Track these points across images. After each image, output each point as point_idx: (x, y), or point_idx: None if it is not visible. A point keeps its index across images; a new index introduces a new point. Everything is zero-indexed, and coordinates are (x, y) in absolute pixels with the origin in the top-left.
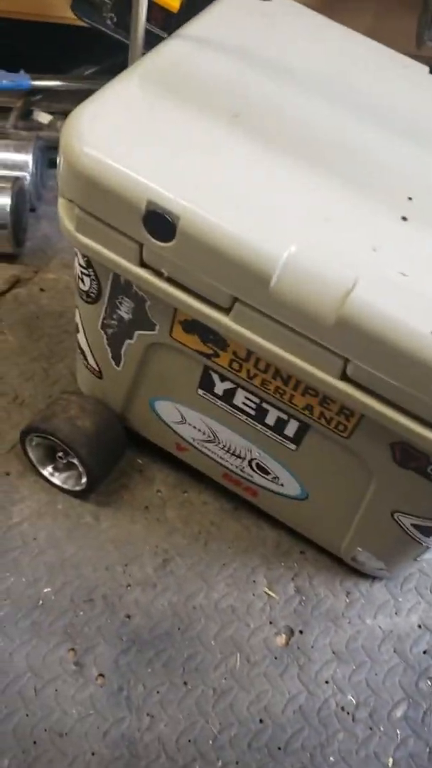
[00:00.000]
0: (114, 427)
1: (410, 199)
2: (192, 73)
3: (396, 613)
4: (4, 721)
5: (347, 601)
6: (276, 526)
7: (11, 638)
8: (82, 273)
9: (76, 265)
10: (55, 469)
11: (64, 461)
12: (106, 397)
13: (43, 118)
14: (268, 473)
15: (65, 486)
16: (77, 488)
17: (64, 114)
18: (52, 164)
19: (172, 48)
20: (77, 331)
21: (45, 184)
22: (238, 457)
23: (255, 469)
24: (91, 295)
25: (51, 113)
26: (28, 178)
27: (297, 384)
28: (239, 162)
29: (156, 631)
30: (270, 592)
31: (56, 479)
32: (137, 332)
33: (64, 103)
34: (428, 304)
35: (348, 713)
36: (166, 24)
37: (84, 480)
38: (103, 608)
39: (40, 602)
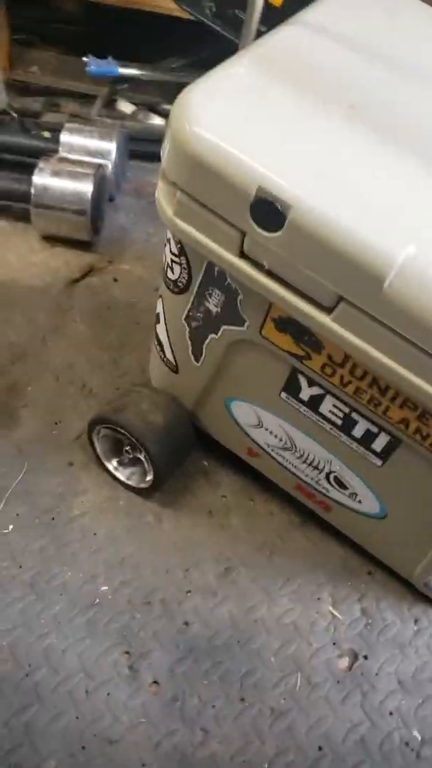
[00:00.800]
0: (184, 424)
1: None
2: (306, 60)
3: None
4: (53, 721)
5: (415, 628)
6: (344, 544)
7: (65, 635)
8: (172, 261)
9: (167, 252)
10: (120, 463)
11: (131, 456)
12: (179, 393)
13: (127, 107)
14: (346, 488)
15: (129, 482)
16: (141, 485)
17: (147, 106)
18: (133, 155)
19: (285, 35)
20: (156, 322)
21: (125, 174)
22: (315, 468)
23: (332, 482)
24: (180, 284)
25: (134, 104)
26: (110, 167)
27: (395, 396)
28: (356, 155)
29: (214, 641)
30: (335, 612)
31: (120, 474)
32: (224, 327)
33: (147, 95)
34: None
35: (412, 750)
36: (267, 18)
37: (149, 477)
38: (161, 612)
39: (97, 600)
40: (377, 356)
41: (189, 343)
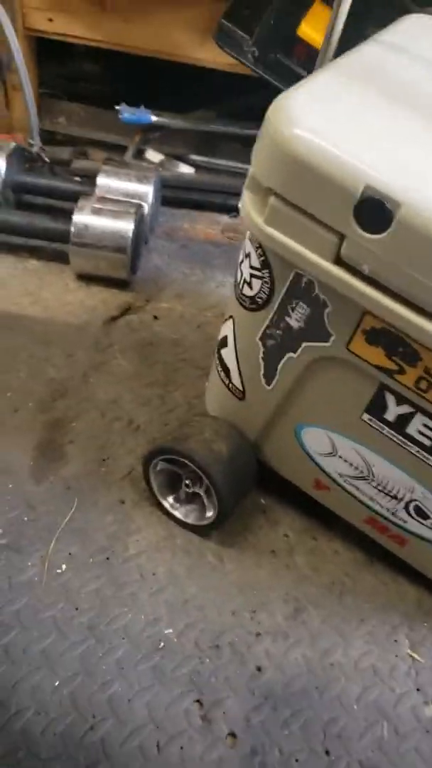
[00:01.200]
0: (248, 454)
1: None
2: (392, 73)
3: None
4: None
5: None
6: (416, 582)
7: (130, 683)
8: (252, 275)
9: (244, 269)
10: (177, 500)
11: (189, 491)
12: (243, 422)
13: (155, 157)
14: (427, 518)
15: (187, 520)
16: (200, 523)
17: (174, 156)
18: (164, 201)
19: (368, 51)
20: (222, 346)
21: (157, 218)
22: (394, 498)
23: (412, 512)
24: (258, 300)
25: (161, 154)
26: (147, 208)
27: None
28: None
29: (291, 687)
30: (414, 655)
31: (178, 512)
32: (305, 344)
33: (174, 146)
34: None
35: None
36: (307, 60)
37: (209, 514)
38: (230, 657)
39: (162, 644)
40: None
41: (262, 364)
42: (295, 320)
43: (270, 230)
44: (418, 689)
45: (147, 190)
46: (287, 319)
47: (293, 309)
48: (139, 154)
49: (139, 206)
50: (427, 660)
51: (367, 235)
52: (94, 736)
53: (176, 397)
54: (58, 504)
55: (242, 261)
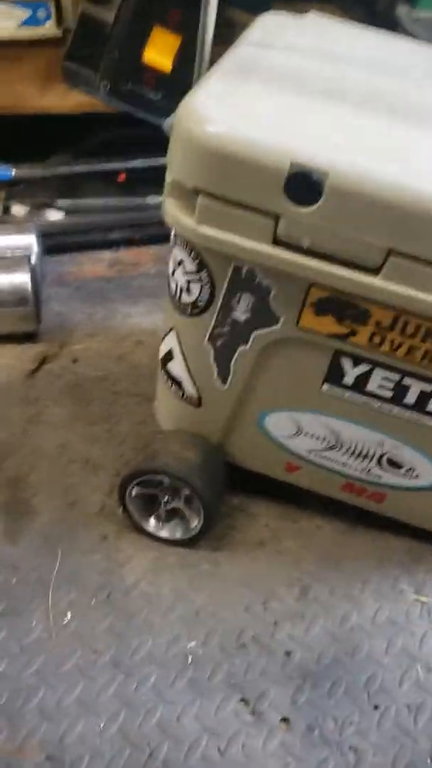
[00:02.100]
0: (216, 456)
1: None
2: (272, 63)
3: None
4: None
5: None
6: (400, 534)
7: (172, 703)
8: (189, 281)
9: (178, 277)
10: (158, 520)
11: (168, 508)
12: (203, 427)
13: (20, 210)
14: (400, 467)
15: (174, 537)
16: (187, 536)
17: (41, 205)
18: (44, 250)
19: (242, 50)
20: (167, 360)
21: (44, 267)
22: (365, 457)
23: (385, 465)
24: (200, 303)
25: (26, 206)
26: (34, 257)
27: None
28: (361, 121)
29: (323, 660)
30: (421, 598)
31: (163, 532)
32: (255, 333)
33: (38, 196)
34: None
35: None
36: (158, 85)
37: (194, 524)
38: (258, 651)
39: (189, 659)
40: None
41: (214, 365)
42: (241, 312)
43: (204, 229)
44: None
45: (30, 240)
46: (233, 313)
47: (238, 302)
48: (5, 211)
49: (27, 257)
50: None
51: (301, 209)
52: (156, 761)
53: (122, 428)
54: (42, 557)
55: (174, 271)
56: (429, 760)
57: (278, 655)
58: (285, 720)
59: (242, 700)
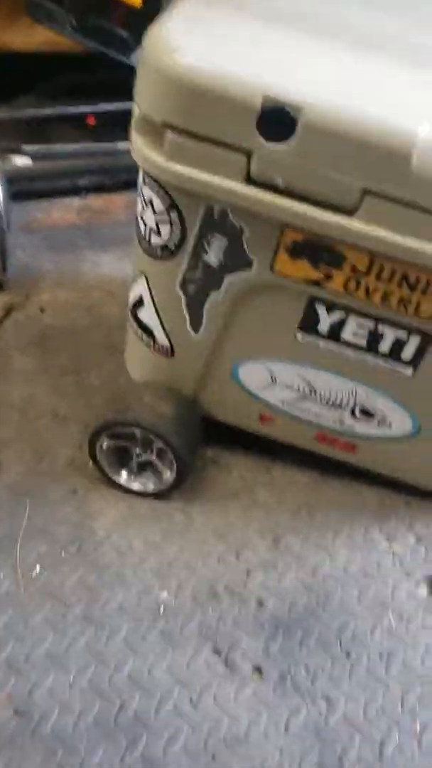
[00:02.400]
0: (190, 409)
1: None
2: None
3: None
4: (170, 742)
5: None
6: (373, 484)
7: (143, 655)
8: (158, 222)
9: (147, 218)
10: (130, 473)
11: (141, 459)
12: (176, 379)
13: None
14: (373, 416)
15: (146, 489)
16: (160, 488)
17: (8, 150)
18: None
19: None
20: (137, 308)
21: (10, 214)
22: (339, 406)
23: (358, 415)
24: (170, 246)
25: None
26: (0, 205)
27: (427, 286)
28: (334, 56)
29: (295, 610)
30: (393, 547)
31: (135, 484)
32: (228, 278)
33: (2, 141)
34: None
35: None
36: (128, 21)
37: (168, 475)
38: (230, 600)
39: (161, 610)
40: (409, 244)
41: (186, 313)
42: (213, 256)
43: (174, 166)
44: (407, 575)
45: None
46: (205, 256)
47: (209, 244)
48: None
49: None
50: (405, 548)
51: (275, 146)
52: (127, 714)
53: (92, 380)
54: (10, 511)
55: (142, 211)
56: (400, 707)
57: (250, 605)
58: (257, 670)
59: (214, 650)
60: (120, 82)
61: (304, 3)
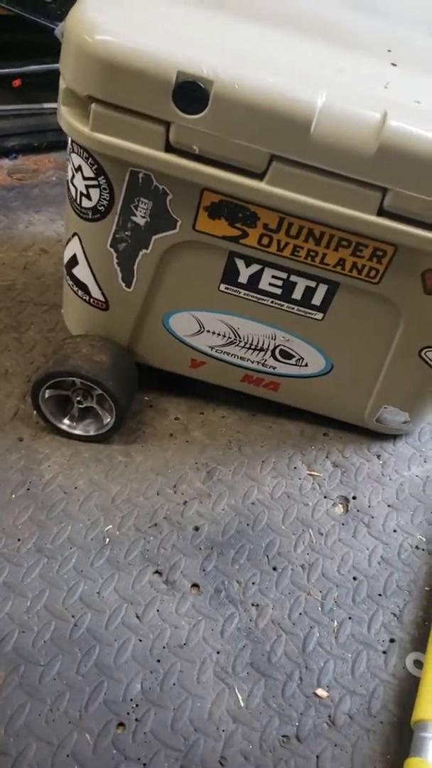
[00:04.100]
0: (126, 357)
1: (389, 51)
2: None
3: (425, 461)
4: (120, 651)
5: (381, 462)
6: (294, 419)
7: (93, 579)
8: (88, 186)
9: (77, 183)
10: (72, 420)
11: (82, 406)
12: (112, 330)
13: None
14: (291, 357)
15: (88, 434)
16: (101, 432)
17: None
18: None
19: None
20: (72, 266)
21: None
22: (261, 350)
23: (278, 356)
24: (100, 208)
25: None
26: None
27: (330, 240)
28: (246, 34)
29: (228, 532)
30: (313, 473)
31: (78, 430)
32: (155, 237)
33: None
34: None
35: (423, 549)
36: None
37: (107, 420)
38: (169, 528)
39: (107, 540)
40: (312, 202)
41: (118, 269)
42: (140, 217)
43: (99, 136)
44: (325, 497)
45: None
46: (133, 218)
47: (136, 207)
48: None
49: None
50: (323, 473)
51: (190, 117)
52: (80, 630)
53: (31, 336)
54: None
55: (72, 176)
56: (320, 608)
57: (188, 531)
58: (195, 586)
59: (156, 572)
60: (45, 43)
61: None
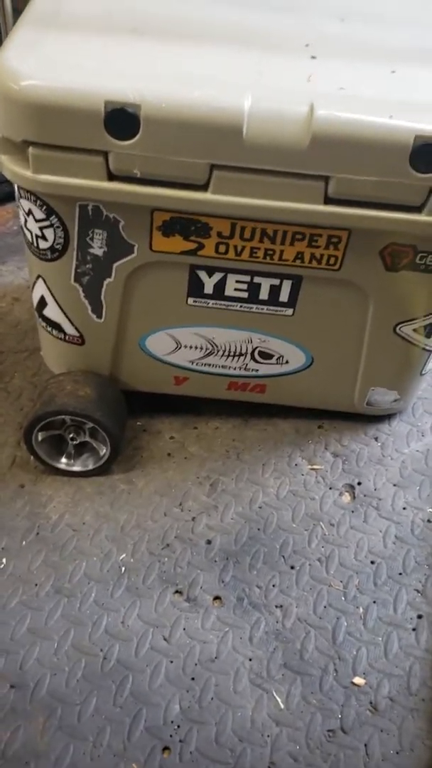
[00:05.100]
0: (111, 387)
1: (307, 45)
2: (70, 11)
3: (423, 435)
4: (153, 676)
5: (379, 444)
6: (287, 417)
7: (115, 610)
8: (42, 228)
9: (30, 227)
10: (68, 457)
11: (76, 443)
12: (91, 364)
13: None
14: (271, 356)
15: (87, 468)
16: (99, 464)
17: None
18: None
19: (38, 4)
20: (42, 308)
21: None
22: (240, 355)
23: (258, 358)
24: (57, 247)
25: None
26: None
27: (284, 236)
28: (164, 54)
29: (240, 540)
30: (314, 467)
31: (76, 466)
32: (115, 265)
33: None
34: (370, 103)
35: None
36: None
37: (104, 451)
38: (182, 546)
39: (123, 569)
40: (257, 203)
41: (86, 302)
42: (98, 248)
43: (41, 177)
44: (330, 488)
45: None
46: (90, 250)
47: (92, 239)
48: None
49: None
50: (324, 465)
51: (125, 143)
52: (110, 662)
53: (17, 383)
54: None
55: (25, 221)
56: (343, 598)
57: (201, 545)
58: (217, 598)
59: (176, 591)
60: None
61: (125, 7)
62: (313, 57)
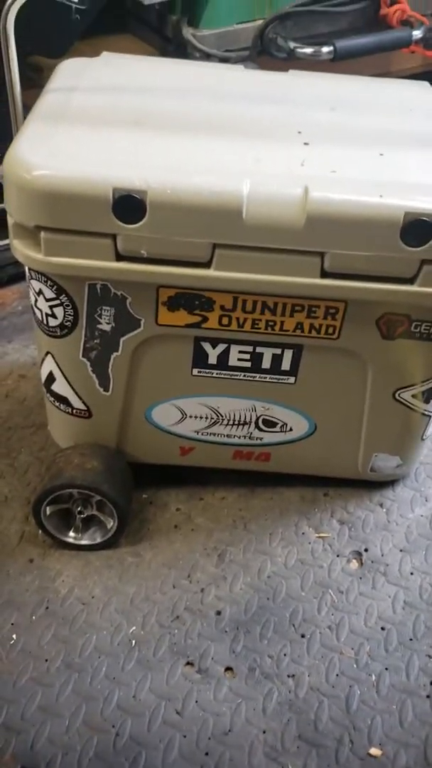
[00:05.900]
0: (117, 459)
1: (300, 132)
2: (80, 104)
3: (426, 500)
4: (167, 751)
5: (384, 510)
6: (293, 486)
7: (126, 683)
8: (51, 307)
9: (40, 306)
10: (76, 531)
11: (83, 516)
12: (98, 437)
13: None
14: (275, 424)
15: (95, 542)
16: (107, 537)
17: None
18: None
19: (50, 97)
20: (50, 383)
21: None
22: (244, 423)
23: (262, 426)
24: (66, 325)
25: None
26: None
27: (284, 308)
28: (167, 143)
29: (250, 610)
30: (321, 535)
31: (84, 540)
32: (122, 339)
33: None
34: (361, 183)
35: None
36: None
37: (111, 524)
38: (192, 618)
39: (133, 642)
40: (257, 278)
41: (94, 376)
42: (106, 323)
43: (53, 259)
44: (337, 555)
45: None
46: (99, 326)
47: (100, 315)
48: None
49: None
50: (331, 533)
51: (132, 226)
52: (123, 738)
53: (24, 459)
54: None
55: (36, 300)
56: (355, 665)
57: (210, 616)
58: (228, 669)
59: (188, 663)
60: None
61: (129, 101)
62: (306, 143)
